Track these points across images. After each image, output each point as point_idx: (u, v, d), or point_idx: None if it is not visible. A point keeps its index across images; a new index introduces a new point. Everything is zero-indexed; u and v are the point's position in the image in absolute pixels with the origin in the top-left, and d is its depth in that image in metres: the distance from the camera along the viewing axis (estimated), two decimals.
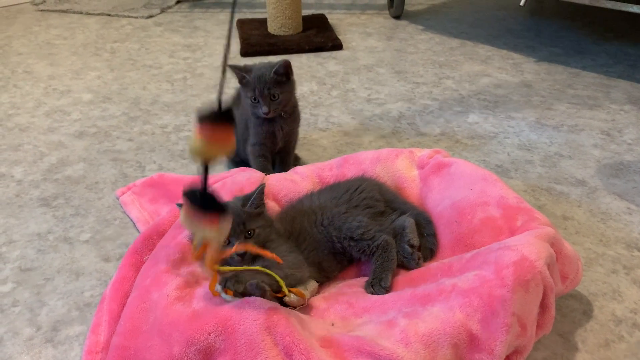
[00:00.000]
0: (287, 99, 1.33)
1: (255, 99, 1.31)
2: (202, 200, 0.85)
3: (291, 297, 0.95)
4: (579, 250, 1.21)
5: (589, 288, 1.11)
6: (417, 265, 1.06)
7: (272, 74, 1.28)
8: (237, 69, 1.32)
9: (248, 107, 1.35)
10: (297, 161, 1.53)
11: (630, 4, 1.99)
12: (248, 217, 1.00)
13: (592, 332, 1.02)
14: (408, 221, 1.11)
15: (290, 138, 1.43)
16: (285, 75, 1.31)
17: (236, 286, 0.90)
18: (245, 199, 1.03)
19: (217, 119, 0.84)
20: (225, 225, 0.88)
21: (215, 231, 0.86)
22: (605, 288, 1.11)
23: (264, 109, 1.30)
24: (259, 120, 1.36)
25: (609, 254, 1.20)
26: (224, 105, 0.84)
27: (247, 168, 1.40)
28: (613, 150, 1.60)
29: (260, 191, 1.03)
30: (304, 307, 0.98)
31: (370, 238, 1.06)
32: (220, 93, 0.85)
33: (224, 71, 0.86)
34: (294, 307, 0.95)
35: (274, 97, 1.30)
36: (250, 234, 1.00)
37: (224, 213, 0.87)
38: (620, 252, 1.21)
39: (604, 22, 2.62)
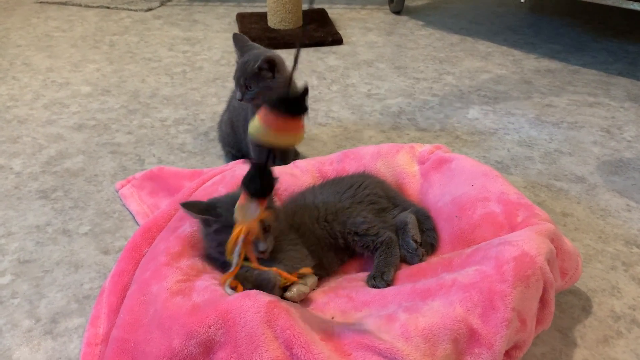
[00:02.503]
0: (265, 94, 1.31)
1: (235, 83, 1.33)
2: (258, 185, 0.83)
3: (292, 293, 0.95)
4: (578, 246, 1.21)
5: (588, 284, 1.12)
6: (421, 261, 1.06)
7: (254, 66, 1.28)
8: (237, 44, 1.35)
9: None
10: (296, 156, 1.53)
11: (630, 1, 1.99)
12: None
13: (591, 328, 1.02)
14: (410, 217, 1.11)
15: None
16: (269, 70, 1.29)
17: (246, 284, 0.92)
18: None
19: (286, 108, 0.78)
20: (253, 211, 0.88)
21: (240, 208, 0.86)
22: (604, 284, 1.12)
23: (238, 94, 1.32)
24: (257, 108, 1.35)
25: (608, 250, 1.21)
26: (295, 94, 0.78)
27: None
28: (613, 147, 1.60)
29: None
30: (304, 300, 0.98)
31: (374, 234, 1.07)
32: (290, 80, 0.80)
33: (296, 61, 0.81)
34: (295, 301, 0.95)
35: (249, 87, 1.30)
36: (269, 228, 0.98)
37: (268, 196, 0.86)
38: (619, 248, 1.21)
39: (604, 20, 2.61)
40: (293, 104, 0.78)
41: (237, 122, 1.44)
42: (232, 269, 0.93)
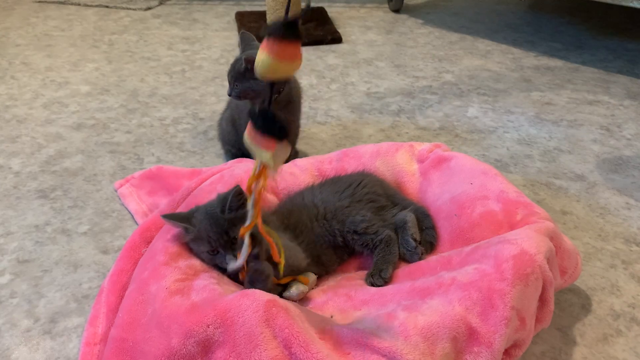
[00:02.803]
0: (248, 93, 1.34)
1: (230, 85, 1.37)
2: (263, 122, 0.82)
3: (291, 292, 0.95)
4: (578, 244, 1.21)
5: (587, 282, 1.11)
6: (420, 259, 1.06)
7: (240, 66, 1.32)
8: (242, 42, 1.39)
9: None
10: (295, 155, 1.52)
11: None
12: (230, 224, 0.95)
13: (591, 327, 1.02)
14: (409, 216, 1.11)
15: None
16: (252, 72, 1.30)
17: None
18: (222, 204, 0.97)
19: (285, 33, 0.79)
20: (281, 154, 0.85)
21: (270, 156, 0.83)
22: (604, 282, 1.12)
23: (228, 90, 1.36)
24: (255, 106, 1.36)
25: (608, 248, 1.20)
26: (291, 19, 0.80)
27: (245, 159, 1.40)
28: (612, 145, 1.60)
29: (236, 193, 0.96)
30: (303, 299, 0.98)
31: (373, 232, 1.07)
32: (288, 5, 0.81)
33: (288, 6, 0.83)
34: (294, 300, 0.95)
35: (236, 85, 1.34)
36: (236, 241, 0.95)
37: (283, 139, 0.84)
38: (619, 247, 1.21)
39: (604, 17, 2.61)
40: (292, 27, 0.80)
41: (239, 120, 1.44)
42: (248, 222, 0.90)
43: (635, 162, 1.52)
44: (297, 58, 0.83)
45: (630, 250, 1.20)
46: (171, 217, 1.01)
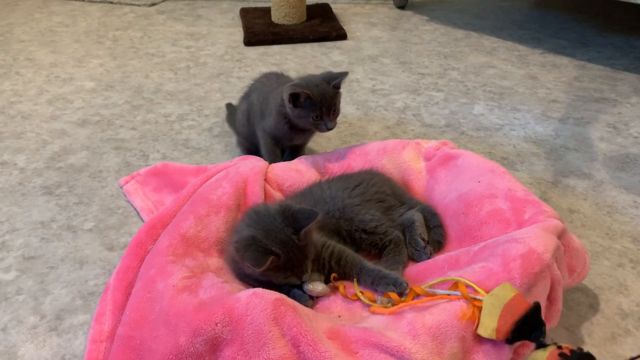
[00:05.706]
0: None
1: (318, 117, 1.27)
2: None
3: (315, 286, 0.96)
4: (585, 243, 1.20)
5: (595, 281, 1.11)
6: (428, 258, 1.06)
7: (332, 88, 1.27)
8: (303, 89, 1.24)
9: (305, 124, 1.30)
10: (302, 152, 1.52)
11: None
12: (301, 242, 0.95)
13: (599, 326, 1.01)
14: (417, 215, 1.11)
15: (307, 138, 1.44)
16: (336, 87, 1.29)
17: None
18: (294, 221, 0.95)
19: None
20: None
21: None
22: (612, 282, 1.11)
23: (330, 124, 1.28)
24: (285, 119, 1.32)
25: (615, 247, 1.20)
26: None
27: (250, 156, 1.39)
28: (619, 143, 1.59)
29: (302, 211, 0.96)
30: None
31: (383, 232, 1.07)
32: None
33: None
34: (314, 297, 0.96)
35: (335, 111, 1.29)
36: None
37: None
38: (627, 245, 1.20)
39: (610, 14, 2.60)
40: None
41: (252, 119, 1.44)
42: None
43: None
44: None
45: (638, 249, 1.19)
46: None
